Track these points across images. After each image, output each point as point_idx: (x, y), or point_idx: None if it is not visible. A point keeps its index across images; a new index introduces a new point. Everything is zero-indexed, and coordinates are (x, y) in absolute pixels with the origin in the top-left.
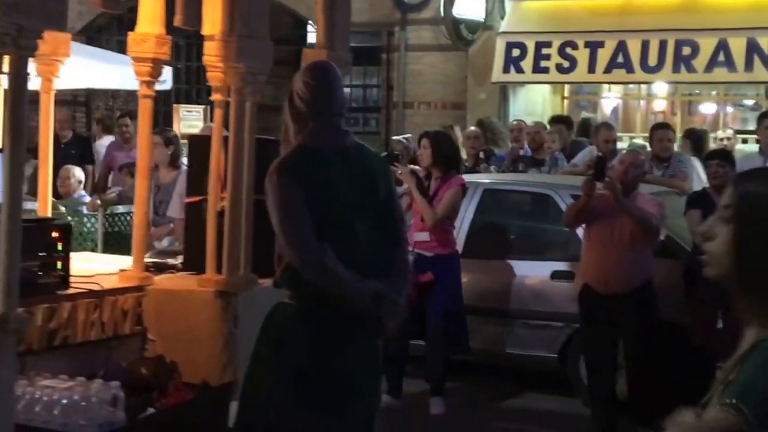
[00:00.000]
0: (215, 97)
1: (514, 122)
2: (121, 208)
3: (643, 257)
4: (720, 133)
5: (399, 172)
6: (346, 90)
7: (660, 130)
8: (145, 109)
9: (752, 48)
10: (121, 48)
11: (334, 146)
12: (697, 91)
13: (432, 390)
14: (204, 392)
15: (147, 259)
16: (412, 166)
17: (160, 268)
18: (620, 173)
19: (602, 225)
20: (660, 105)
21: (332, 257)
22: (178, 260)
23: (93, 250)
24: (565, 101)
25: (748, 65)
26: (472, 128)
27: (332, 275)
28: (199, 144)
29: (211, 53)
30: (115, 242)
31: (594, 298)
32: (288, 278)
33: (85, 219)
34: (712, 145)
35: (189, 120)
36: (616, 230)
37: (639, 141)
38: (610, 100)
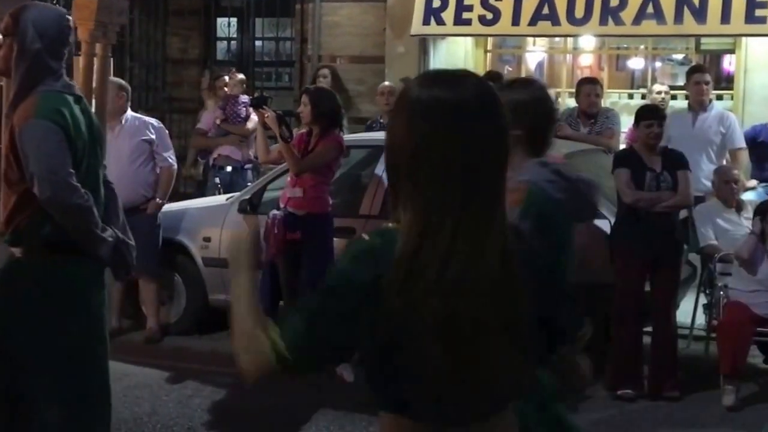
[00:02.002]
0: None
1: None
2: None
3: None
4: (656, 87)
5: (267, 115)
6: (258, 43)
7: (587, 84)
8: None
9: None
10: None
11: (72, 91)
12: (625, 45)
13: None
14: None
15: None
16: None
17: None
18: None
19: None
20: (587, 60)
21: (89, 197)
22: None
23: None
24: (488, 55)
25: (678, 17)
26: (386, 83)
27: (90, 214)
28: None
29: None
30: None
31: None
32: (29, 232)
33: None
34: (644, 101)
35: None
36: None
37: (568, 101)
38: (535, 54)
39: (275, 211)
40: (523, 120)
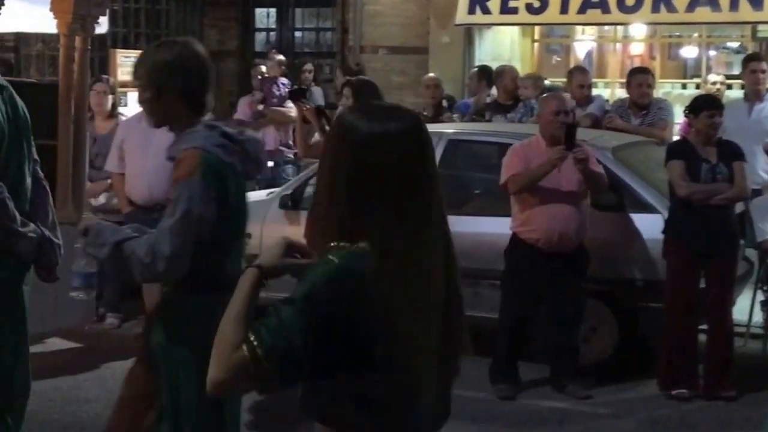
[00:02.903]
0: None
1: (476, 69)
2: None
3: (585, 215)
4: (712, 77)
5: (306, 108)
6: (297, 33)
7: (639, 74)
8: None
9: None
10: None
11: None
12: (677, 33)
13: None
14: None
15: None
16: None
17: None
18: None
19: (550, 182)
20: (638, 48)
21: (3, 189)
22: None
23: None
24: (535, 44)
25: (733, 4)
26: (431, 75)
27: (4, 208)
28: None
29: None
30: None
31: (530, 255)
32: None
33: None
34: (700, 91)
35: (127, 66)
36: (564, 188)
37: (618, 92)
38: (583, 43)
39: None
40: (173, 81)
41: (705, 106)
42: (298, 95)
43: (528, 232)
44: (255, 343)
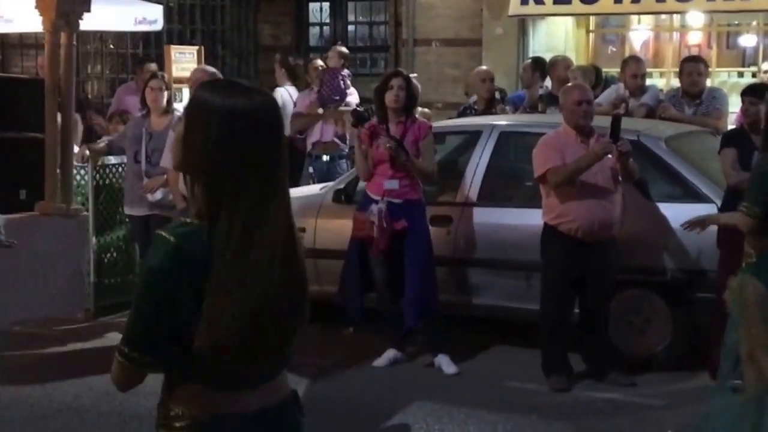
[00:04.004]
0: None
1: (529, 60)
2: (112, 159)
3: (620, 204)
4: (766, 65)
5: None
6: (351, 27)
7: (690, 63)
8: None
9: None
10: None
11: None
12: (736, 22)
13: (435, 347)
14: None
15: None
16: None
17: None
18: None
19: (586, 173)
20: (695, 37)
21: None
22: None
23: (83, 204)
24: (591, 35)
25: None
26: (483, 68)
27: None
28: None
29: None
30: (107, 195)
31: (568, 246)
32: None
33: (74, 171)
34: (756, 80)
35: (182, 62)
36: (600, 178)
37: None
38: (639, 32)
39: (378, 205)
40: None
41: (746, 92)
42: (361, 120)
43: (567, 222)
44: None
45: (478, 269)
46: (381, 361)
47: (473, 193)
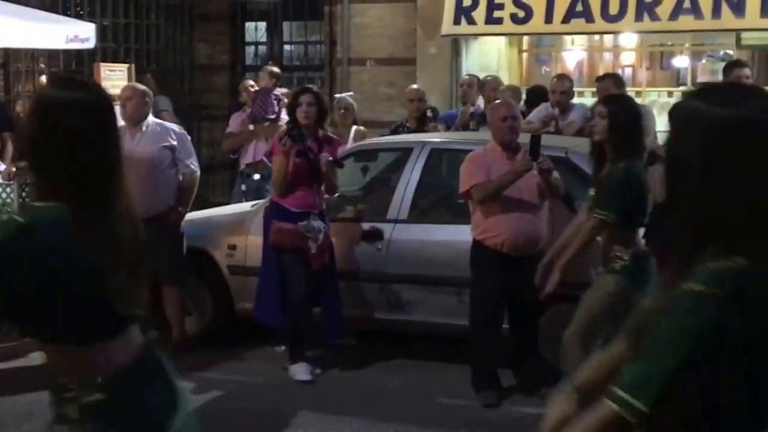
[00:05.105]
0: None
1: (466, 77)
2: None
3: (546, 220)
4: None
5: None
6: (287, 47)
7: (604, 80)
8: None
9: None
10: (42, 4)
11: None
12: (669, 43)
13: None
14: None
15: None
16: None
17: None
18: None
19: (511, 189)
20: (628, 58)
21: None
22: None
23: None
24: (524, 55)
25: (716, 12)
26: (413, 87)
27: None
28: None
29: None
30: None
31: (494, 261)
32: None
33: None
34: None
35: (113, 80)
36: (526, 193)
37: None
38: (572, 52)
39: (317, 221)
40: None
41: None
42: (297, 139)
43: (493, 237)
44: None
45: (409, 286)
46: (301, 375)
47: (404, 210)
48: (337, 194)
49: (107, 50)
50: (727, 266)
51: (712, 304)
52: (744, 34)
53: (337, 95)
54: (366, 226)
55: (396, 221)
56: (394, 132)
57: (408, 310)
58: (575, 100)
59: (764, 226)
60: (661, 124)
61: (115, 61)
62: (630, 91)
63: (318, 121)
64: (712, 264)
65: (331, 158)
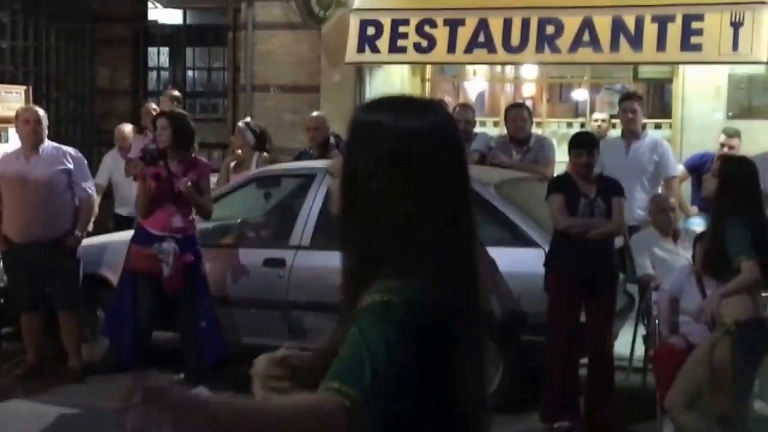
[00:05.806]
0: None
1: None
2: None
3: None
4: (596, 115)
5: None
6: (190, 72)
7: (513, 109)
8: None
9: (618, 27)
10: None
11: None
12: (569, 75)
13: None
14: None
15: None
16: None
17: None
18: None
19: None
20: (529, 89)
21: None
22: None
23: None
24: (427, 84)
25: (614, 45)
26: (313, 115)
27: None
28: None
29: None
30: None
31: None
32: None
33: None
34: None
35: (9, 102)
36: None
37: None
38: (475, 82)
39: (170, 244)
40: None
41: (573, 144)
42: (154, 158)
43: None
44: None
45: (311, 313)
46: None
47: (306, 237)
48: (239, 220)
49: (5, 72)
50: (403, 282)
51: (398, 307)
52: (641, 68)
53: (239, 123)
54: (269, 253)
55: (298, 247)
56: (298, 159)
57: (309, 338)
58: (477, 129)
59: (434, 248)
60: (560, 155)
61: (13, 83)
62: None
63: (181, 145)
64: (387, 282)
65: (189, 183)
